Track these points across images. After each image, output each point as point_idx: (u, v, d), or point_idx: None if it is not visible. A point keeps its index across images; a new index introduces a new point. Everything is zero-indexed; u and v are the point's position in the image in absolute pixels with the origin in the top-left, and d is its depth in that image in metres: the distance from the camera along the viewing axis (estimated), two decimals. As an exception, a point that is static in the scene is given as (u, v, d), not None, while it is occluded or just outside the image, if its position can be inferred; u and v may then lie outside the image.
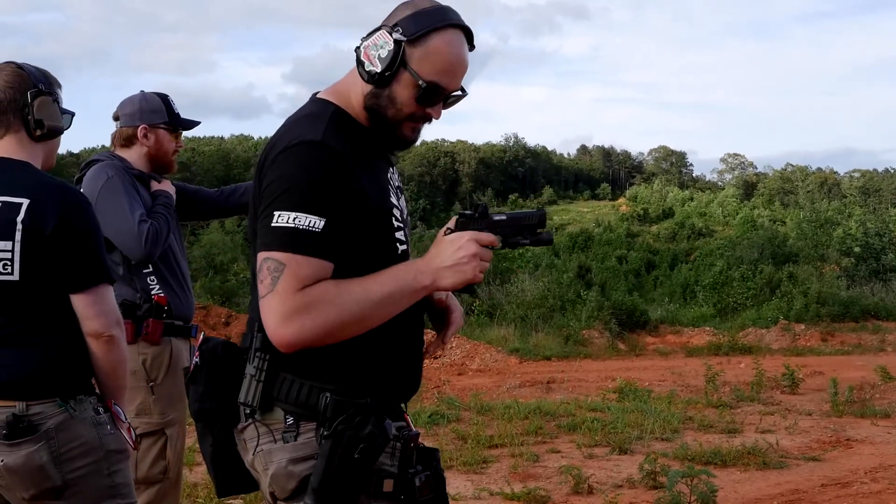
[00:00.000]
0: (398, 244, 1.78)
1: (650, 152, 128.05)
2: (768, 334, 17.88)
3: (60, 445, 2.17)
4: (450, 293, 1.96)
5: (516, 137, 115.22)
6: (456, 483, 5.69)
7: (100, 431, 2.24)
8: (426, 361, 2.15)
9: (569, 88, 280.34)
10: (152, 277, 3.08)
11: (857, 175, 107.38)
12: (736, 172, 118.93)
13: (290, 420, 1.69)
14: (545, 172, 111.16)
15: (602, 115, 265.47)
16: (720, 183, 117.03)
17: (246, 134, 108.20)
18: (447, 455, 6.31)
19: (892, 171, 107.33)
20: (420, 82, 1.71)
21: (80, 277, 2.21)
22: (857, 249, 28.92)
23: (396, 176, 1.88)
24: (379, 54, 1.72)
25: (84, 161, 3.25)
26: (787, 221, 58.42)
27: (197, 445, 2.07)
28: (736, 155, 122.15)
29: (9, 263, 2.16)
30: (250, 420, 1.73)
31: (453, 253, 1.69)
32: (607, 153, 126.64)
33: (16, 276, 2.17)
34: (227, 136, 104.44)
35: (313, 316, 1.60)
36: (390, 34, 1.71)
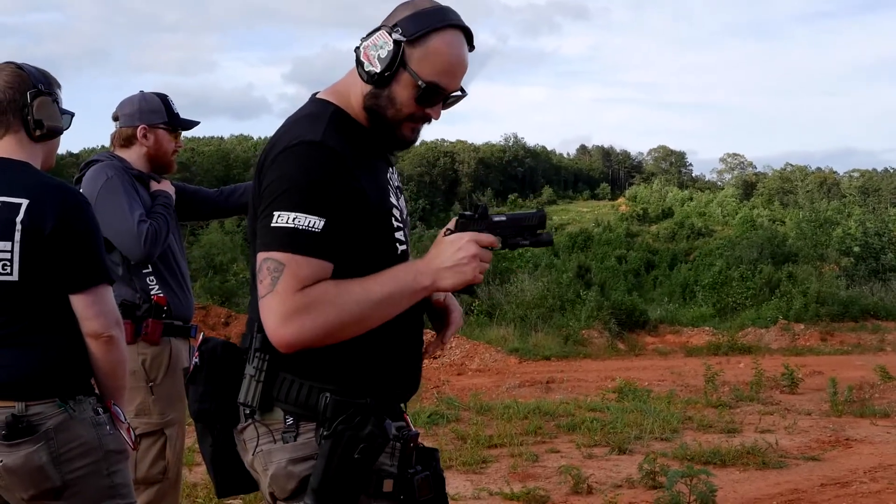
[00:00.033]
0: (398, 244, 1.79)
1: (649, 152, 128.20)
2: (767, 334, 17.88)
3: (60, 446, 2.17)
4: (449, 293, 1.97)
5: (516, 137, 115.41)
6: (455, 483, 5.69)
7: (99, 432, 2.24)
8: (426, 361, 2.15)
9: (568, 88, 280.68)
10: (152, 278, 3.07)
11: (856, 175, 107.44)
12: (735, 172, 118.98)
13: (290, 420, 1.69)
14: (545, 172, 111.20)
15: (601, 115, 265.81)
16: (719, 183, 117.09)
17: (245, 134, 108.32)
18: (446, 455, 6.31)
19: (892, 170, 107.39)
20: (419, 83, 1.71)
21: (80, 278, 2.21)
22: (856, 249, 28.94)
23: (396, 176, 1.88)
24: (378, 54, 1.72)
25: (83, 161, 3.25)
26: (787, 221, 58.49)
27: (196, 445, 2.07)
28: (735, 155, 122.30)
29: (8, 264, 2.16)
30: (250, 420, 1.72)
31: (453, 254, 1.69)
32: (607, 153, 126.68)
33: (15, 277, 2.17)
34: (226, 136, 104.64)
35: (313, 316, 1.60)
36: (390, 34, 1.71)
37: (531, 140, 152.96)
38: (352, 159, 1.69)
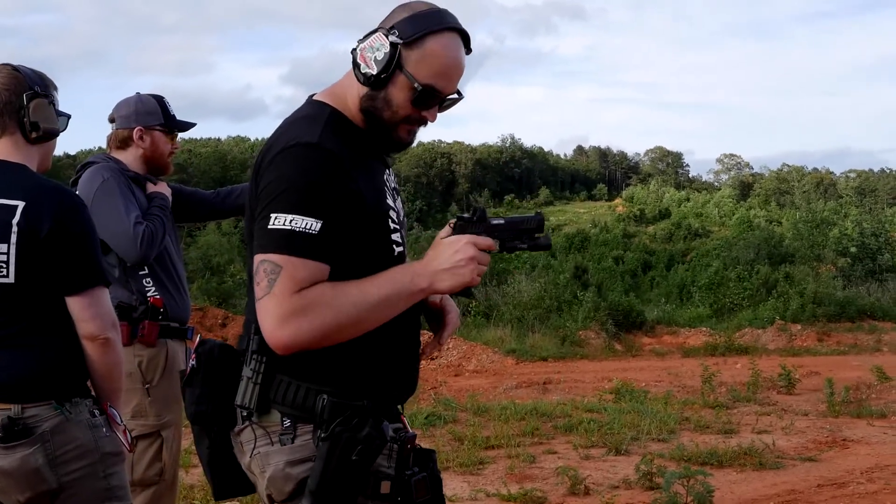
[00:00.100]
0: (395, 246, 1.78)
1: (646, 153, 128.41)
2: (764, 334, 17.89)
3: (56, 448, 2.16)
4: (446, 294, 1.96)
5: (513, 138, 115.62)
6: (452, 484, 5.69)
7: (95, 434, 2.23)
8: (423, 363, 2.15)
9: (565, 89, 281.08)
10: (148, 279, 3.07)
11: (853, 175, 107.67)
12: (732, 173, 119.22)
13: (287, 422, 1.69)
14: (542, 173, 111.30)
15: (598, 116, 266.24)
16: (716, 183, 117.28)
17: (243, 135, 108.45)
18: (444, 456, 6.31)
19: (889, 171, 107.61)
20: (416, 85, 1.71)
21: (76, 280, 2.20)
22: (853, 249, 29.00)
23: (393, 178, 1.88)
24: (375, 56, 1.72)
25: (80, 163, 3.24)
26: (784, 222, 58.60)
27: (193, 447, 2.06)
28: (732, 155, 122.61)
29: (4, 266, 2.16)
30: (247, 422, 1.72)
31: (451, 256, 1.70)
32: (604, 154, 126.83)
33: (11, 279, 2.16)
34: (223, 137, 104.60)
35: (310, 318, 1.60)
36: (386, 36, 1.71)
37: (528, 141, 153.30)
38: (348, 161, 1.69)
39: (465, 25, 1.76)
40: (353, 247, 1.69)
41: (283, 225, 1.61)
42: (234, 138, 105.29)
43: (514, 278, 21.80)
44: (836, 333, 18.33)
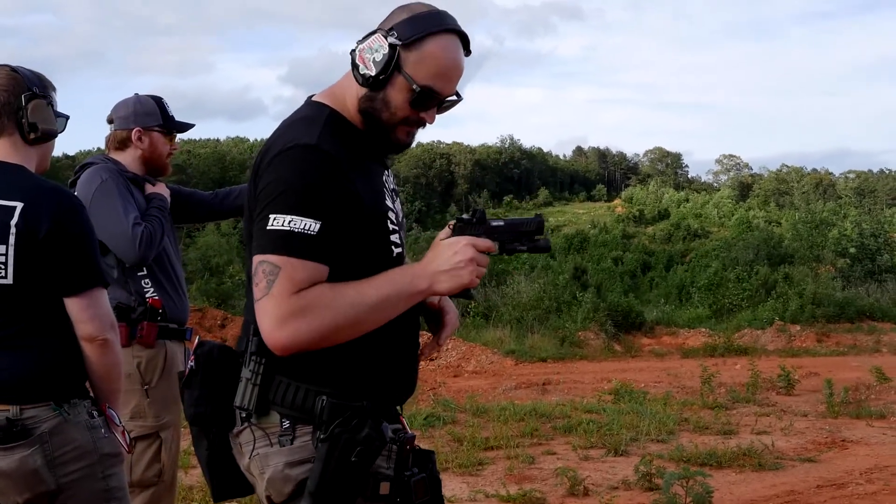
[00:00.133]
0: (393, 247, 1.78)
1: (645, 153, 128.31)
2: (764, 335, 17.90)
3: (54, 449, 2.16)
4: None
5: (512, 139, 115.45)
6: (452, 485, 5.69)
7: (94, 435, 2.23)
8: (422, 363, 2.15)
9: (564, 90, 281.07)
10: (147, 280, 3.07)
11: (852, 176, 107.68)
12: (731, 174, 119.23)
13: (287, 423, 1.69)
14: (541, 174, 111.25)
15: (597, 117, 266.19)
16: (715, 184, 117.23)
17: (242, 136, 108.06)
18: (443, 457, 6.31)
19: (888, 171, 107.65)
20: (414, 86, 1.71)
21: (74, 281, 2.20)
22: (852, 250, 29.02)
23: (391, 179, 1.88)
24: (374, 58, 1.72)
25: (78, 164, 3.24)
26: (783, 222, 58.55)
27: (192, 448, 2.06)
28: (731, 156, 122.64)
29: (3, 267, 2.16)
30: (246, 424, 1.72)
31: (450, 257, 1.70)
32: (603, 154, 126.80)
33: (10, 280, 2.16)
34: (222, 138, 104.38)
35: (308, 319, 1.60)
36: (385, 38, 1.71)
37: (527, 142, 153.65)
38: (347, 162, 1.69)
39: (463, 26, 1.76)
40: (352, 248, 1.69)
41: (282, 226, 1.61)
42: (233, 139, 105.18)
43: (514, 279, 21.80)
44: (835, 334, 18.34)
